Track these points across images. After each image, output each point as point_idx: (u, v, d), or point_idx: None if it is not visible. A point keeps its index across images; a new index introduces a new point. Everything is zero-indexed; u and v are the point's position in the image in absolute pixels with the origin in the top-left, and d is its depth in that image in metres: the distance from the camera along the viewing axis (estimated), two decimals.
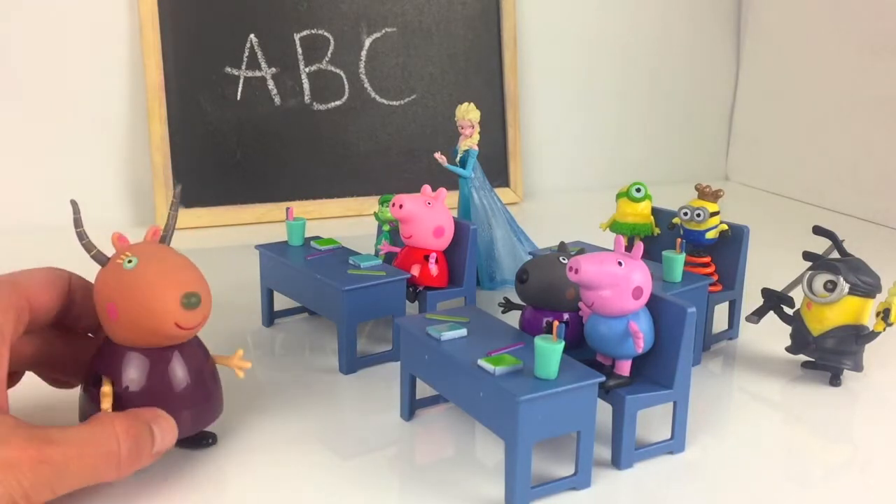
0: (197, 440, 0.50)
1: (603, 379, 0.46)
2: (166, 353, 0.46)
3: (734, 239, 0.67)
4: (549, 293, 0.54)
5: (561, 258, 0.55)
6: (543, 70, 1.30)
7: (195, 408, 0.47)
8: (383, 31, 1.18)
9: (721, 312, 0.70)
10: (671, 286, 0.62)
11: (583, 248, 0.63)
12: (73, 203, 0.46)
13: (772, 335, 0.68)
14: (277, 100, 1.14)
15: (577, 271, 0.47)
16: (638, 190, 0.71)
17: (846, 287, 0.59)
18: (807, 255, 0.64)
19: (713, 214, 0.66)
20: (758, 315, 0.66)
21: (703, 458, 0.52)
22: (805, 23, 1.28)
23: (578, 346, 0.52)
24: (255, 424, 0.54)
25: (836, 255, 0.65)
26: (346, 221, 1.11)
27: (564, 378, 0.45)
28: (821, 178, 1.24)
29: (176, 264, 0.45)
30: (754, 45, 1.40)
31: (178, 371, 0.46)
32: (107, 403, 0.44)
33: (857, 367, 0.61)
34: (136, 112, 1.10)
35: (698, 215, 0.65)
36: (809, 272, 0.62)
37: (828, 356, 0.61)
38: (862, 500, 0.48)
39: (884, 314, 0.59)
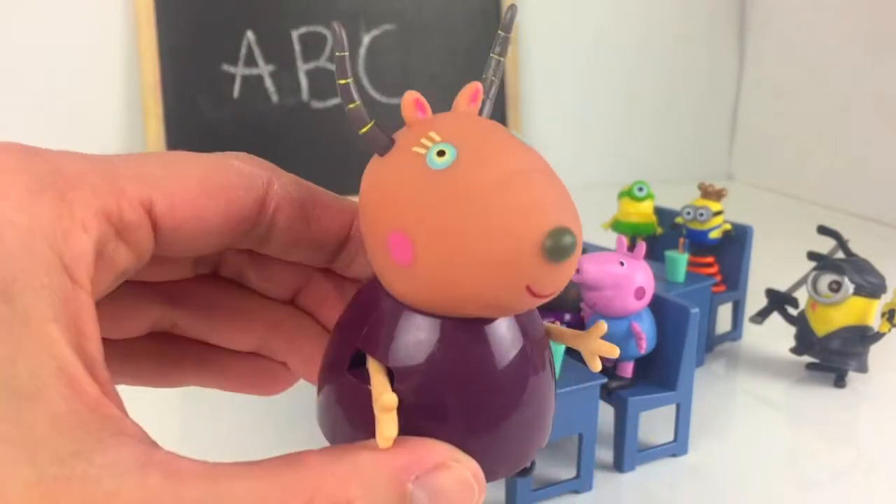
0: None
1: (605, 381, 0.45)
2: (498, 327, 0.23)
3: (738, 239, 0.67)
4: None
5: None
6: (544, 68, 1.30)
7: (526, 430, 0.24)
8: (382, 29, 1.17)
9: (725, 313, 0.69)
10: (674, 286, 0.61)
11: (584, 248, 0.62)
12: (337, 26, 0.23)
13: (776, 336, 0.67)
14: (275, 98, 1.13)
15: (578, 271, 0.46)
16: (640, 189, 0.70)
17: (851, 287, 0.58)
18: (811, 255, 0.63)
19: (716, 214, 0.65)
20: (762, 316, 0.66)
21: (707, 460, 0.51)
22: (810, 18, 1.27)
23: None
24: (247, 425, 0.53)
25: (841, 255, 0.64)
26: None
27: (566, 380, 0.44)
28: (825, 178, 1.23)
29: (529, 166, 0.21)
30: (758, 42, 1.40)
31: (517, 364, 0.23)
32: (387, 424, 0.20)
33: (862, 369, 0.61)
34: (132, 110, 1.09)
35: (701, 215, 0.65)
36: (814, 272, 0.61)
37: (832, 357, 0.60)
38: (867, 502, 0.47)
39: (889, 315, 0.58)
